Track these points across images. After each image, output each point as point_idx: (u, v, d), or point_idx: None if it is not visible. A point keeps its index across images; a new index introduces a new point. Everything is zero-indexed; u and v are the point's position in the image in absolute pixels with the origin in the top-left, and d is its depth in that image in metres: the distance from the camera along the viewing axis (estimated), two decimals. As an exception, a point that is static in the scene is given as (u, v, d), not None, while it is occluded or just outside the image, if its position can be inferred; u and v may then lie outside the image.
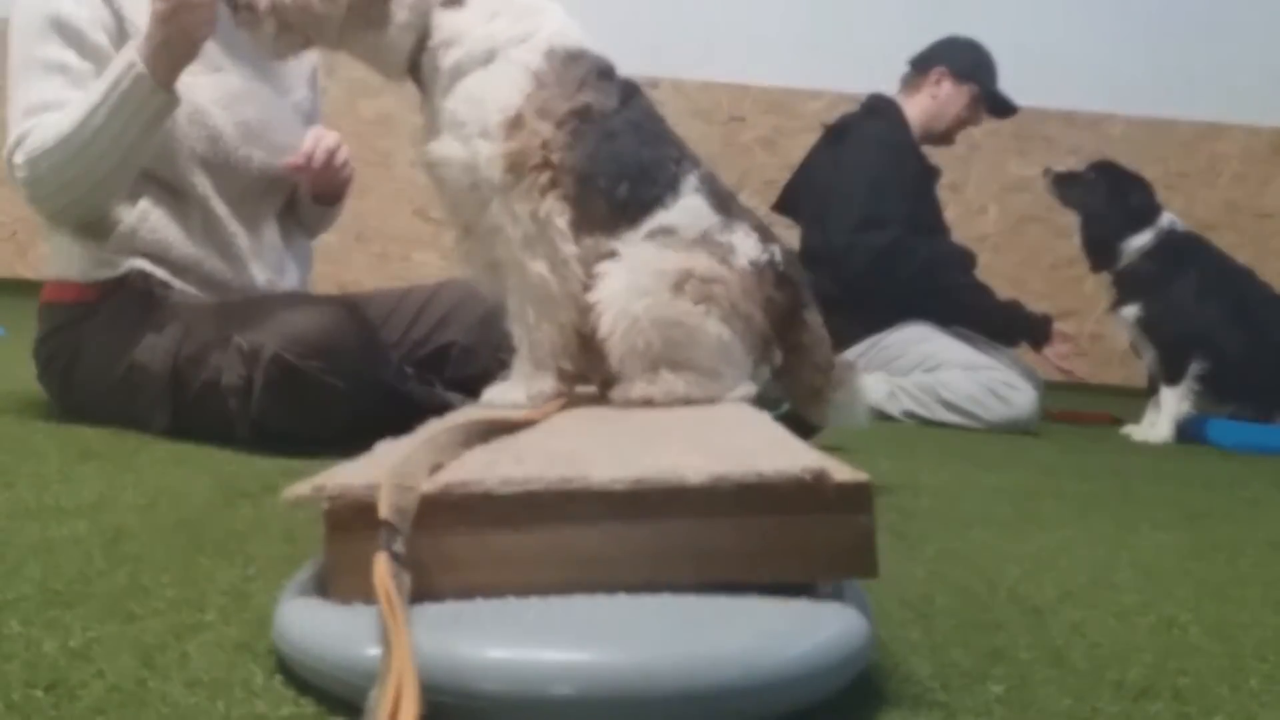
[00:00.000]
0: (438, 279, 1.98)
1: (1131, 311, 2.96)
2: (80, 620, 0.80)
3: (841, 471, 0.77)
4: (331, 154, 1.79)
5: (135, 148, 1.59)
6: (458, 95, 1.35)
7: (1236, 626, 1.03)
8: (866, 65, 3.56)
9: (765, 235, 1.40)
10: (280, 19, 1.35)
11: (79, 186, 1.61)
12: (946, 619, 0.98)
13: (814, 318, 1.44)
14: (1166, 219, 2.97)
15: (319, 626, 0.71)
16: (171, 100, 1.58)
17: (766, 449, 0.89)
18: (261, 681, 0.71)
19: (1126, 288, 2.98)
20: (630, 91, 1.39)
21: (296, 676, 0.71)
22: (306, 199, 1.87)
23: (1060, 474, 2.10)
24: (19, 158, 1.60)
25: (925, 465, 2.05)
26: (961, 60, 3.18)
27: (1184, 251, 2.95)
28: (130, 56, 1.54)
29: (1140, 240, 2.95)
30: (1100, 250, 3.00)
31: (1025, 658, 0.88)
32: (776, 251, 1.39)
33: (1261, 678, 0.88)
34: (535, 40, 1.35)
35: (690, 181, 1.36)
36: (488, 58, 1.34)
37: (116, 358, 1.68)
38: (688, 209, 1.34)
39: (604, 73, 1.37)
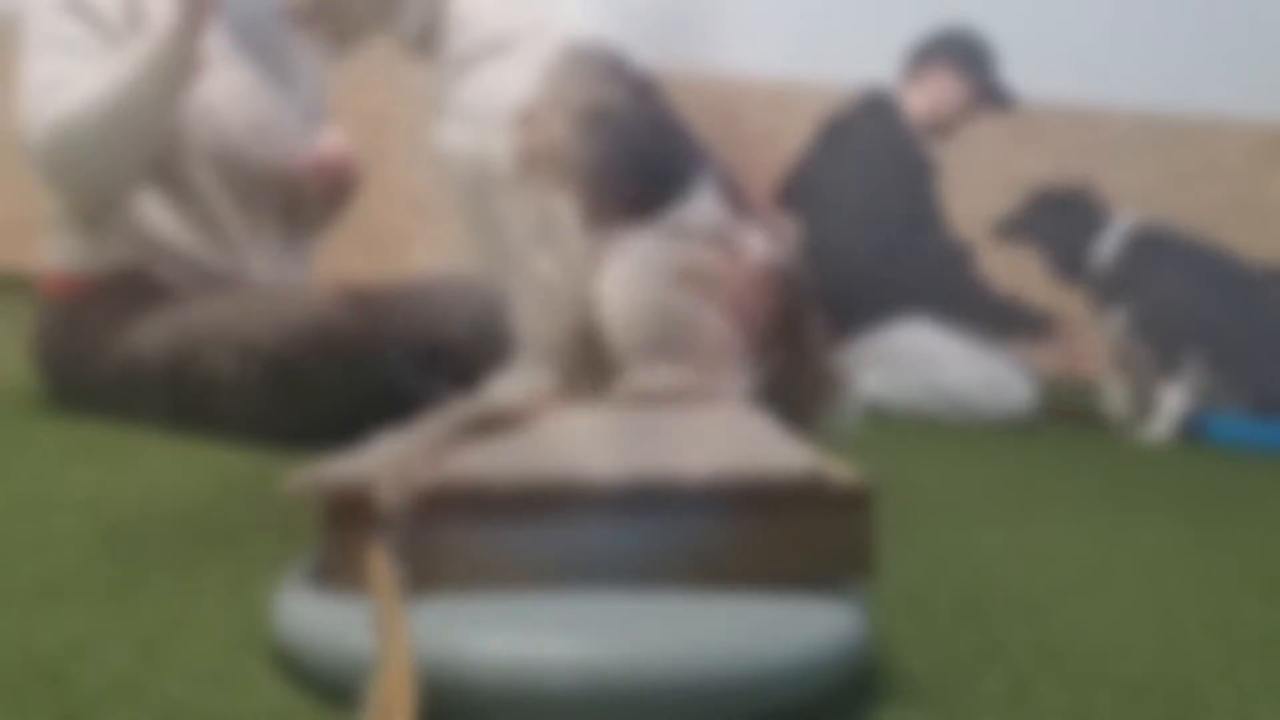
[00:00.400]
0: (437, 273, 1.98)
1: (1120, 315, 2.94)
2: (79, 613, 0.80)
3: (842, 473, 0.77)
4: (343, 156, 1.79)
5: (159, 115, 1.59)
6: (470, 84, 1.34)
7: (1235, 623, 1.03)
8: (866, 57, 3.55)
9: (775, 235, 1.40)
10: (325, 15, 1.35)
11: (99, 160, 1.61)
12: (944, 615, 0.98)
13: (816, 320, 1.44)
14: (1125, 217, 2.96)
15: (316, 619, 0.71)
16: (192, 61, 1.57)
17: (767, 449, 0.89)
18: (259, 674, 0.71)
19: (1107, 293, 2.96)
20: (646, 85, 1.39)
21: (294, 669, 0.71)
22: (313, 199, 1.87)
23: (1059, 470, 2.10)
24: (40, 131, 1.60)
25: (924, 461, 2.05)
26: (961, 52, 3.17)
27: (1156, 245, 2.94)
28: (156, 29, 1.55)
29: (1106, 244, 2.94)
30: (1070, 270, 3.00)
31: (1023, 654, 0.88)
32: (784, 253, 1.39)
33: (1260, 675, 0.88)
34: (552, 30, 1.34)
35: (702, 179, 1.36)
36: (503, 46, 1.34)
37: (114, 352, 1.68)
38: (699, 206, 1.34)
39: (620, 66, 1.37)
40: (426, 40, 1.38)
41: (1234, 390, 2.91)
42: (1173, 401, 2.90)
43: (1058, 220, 3.00)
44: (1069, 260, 2.99)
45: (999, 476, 1.92)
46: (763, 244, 1.37)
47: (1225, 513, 1.74)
